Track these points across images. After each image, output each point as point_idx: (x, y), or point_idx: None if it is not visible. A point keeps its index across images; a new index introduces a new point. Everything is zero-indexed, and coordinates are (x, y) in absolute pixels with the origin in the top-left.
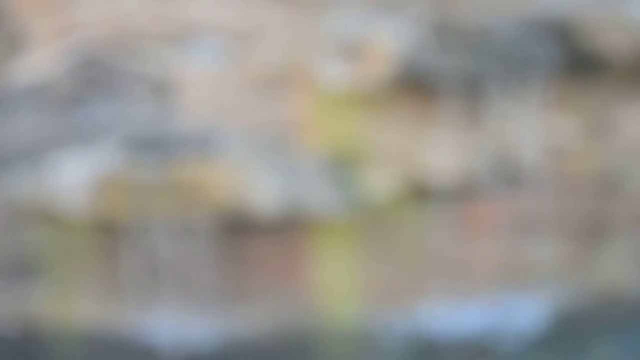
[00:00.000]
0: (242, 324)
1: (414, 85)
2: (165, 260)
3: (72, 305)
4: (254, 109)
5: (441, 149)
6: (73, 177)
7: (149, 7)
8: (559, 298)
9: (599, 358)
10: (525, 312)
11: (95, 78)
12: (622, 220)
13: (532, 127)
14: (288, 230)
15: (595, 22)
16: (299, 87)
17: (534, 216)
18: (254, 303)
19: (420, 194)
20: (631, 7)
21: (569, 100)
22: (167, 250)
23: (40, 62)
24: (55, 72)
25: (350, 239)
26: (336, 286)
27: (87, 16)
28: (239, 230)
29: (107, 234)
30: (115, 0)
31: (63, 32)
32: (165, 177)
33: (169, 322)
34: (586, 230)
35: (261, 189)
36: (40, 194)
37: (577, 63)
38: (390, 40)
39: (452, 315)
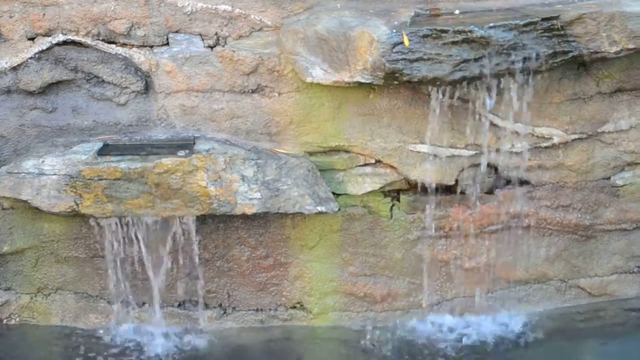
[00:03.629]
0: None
1: (400, 82)
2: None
3: (51, 300)
4: (237, 104)
5: (428, 148)
6: (51, 171)
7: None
8: (550, 300)
9: None
10: (514, 315)
11: (74, 74)
12: (613, 221)
13: (522, 127)
14: (269, 226)
15: (589, 16)
16: (284, 82)
17: (524, 218)
18: (237, 298)
19: (407, 194)
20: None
21: (559, 99)
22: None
23: (19, 58)
24: (33, 67)
25: (335, 238)
26: (318, 284)
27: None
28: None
29: (85, 227)
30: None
31: (41, 27)
32: (144, 175)
33: (151, 317)
34: (577, 231)
35: (242, 189)
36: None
37: (569, 60)
38: (374, 36)
39: (440, 318)
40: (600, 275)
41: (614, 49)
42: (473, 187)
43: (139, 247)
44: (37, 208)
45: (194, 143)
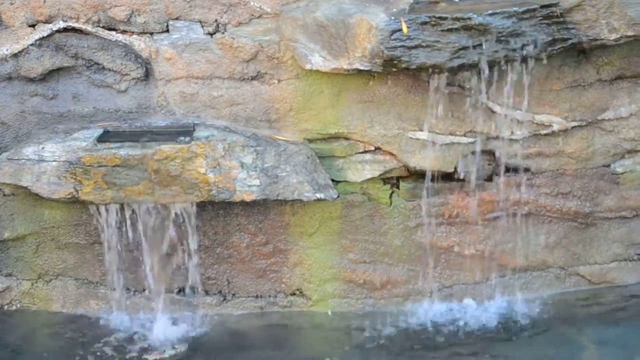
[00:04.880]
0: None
1: (399, 69)
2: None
3: (52, 286)
4: (237, 91)
5: (427, 135)
6: (51, 158)
7: None
8: (549, 287)
9: (589, 347)
10: (514, 301)
11: (74, 61)
12: (613, 209)
13: (521, 114)
14: (269, 213)
15: (589, 3)
16: (283, 69)
17: (524, 205)
18: (237, 285)
19: (406, 181)
20: None
21: (559, 86)
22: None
23: (20, 44)
24: (34, 54)
25: (334, 225)
26: (318, 271)
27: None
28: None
29: (86, 214)
30: None
31: (42, 14)
32: (143, 161)
33: (148, 305)
34: (576, 219)
35: (241, 176)
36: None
37: (568, 47)
38: (373, 23)
39: (439, 305)
40: (600, 263)
41: (614, 36)
42: (472, 174)
43: (138, 233)
44: (37, 194)
45: (194, 130)
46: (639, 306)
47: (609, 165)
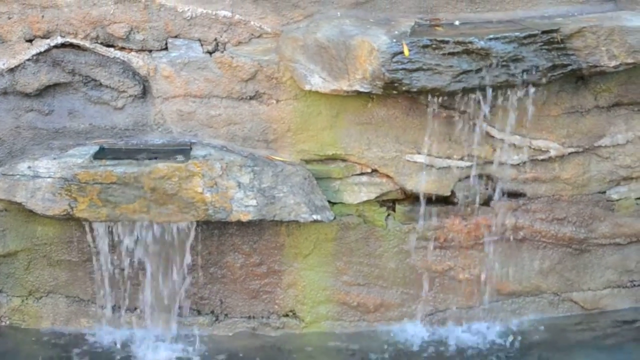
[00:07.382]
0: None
1: (399, 92)
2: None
3: (42, 303)
4: (235, 110)
5: (424, 159)
6: (46, 174)
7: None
8: (542, 312)
9: None
10: (507, 327)
11: (71, 77)
12: (607, 235)
13: (519, 139)
14: (264, 233)
15: (589, 30)
16: (282, 89)
17: (519, 230)
18: (229, 305)
19: (402, 204)
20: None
21: (557, 112)
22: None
23: (17, 59)
24: (30, 69)
25: (329, 247)
26: (312, 293)
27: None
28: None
29: (79, 231)
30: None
31: (39, 29)
32: (139, 179)
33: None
34: (571, 245)
35: (238, 196)
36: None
37: (568, 73)
38: (374, 45)
39: (433, 329)
40: (593, 289)
41: (613, 63)
42: (469, 199)
43: (133, 252)
44: (31, 211)
45: (191, 149)
46: (630, 332)
47: (604, 192)
